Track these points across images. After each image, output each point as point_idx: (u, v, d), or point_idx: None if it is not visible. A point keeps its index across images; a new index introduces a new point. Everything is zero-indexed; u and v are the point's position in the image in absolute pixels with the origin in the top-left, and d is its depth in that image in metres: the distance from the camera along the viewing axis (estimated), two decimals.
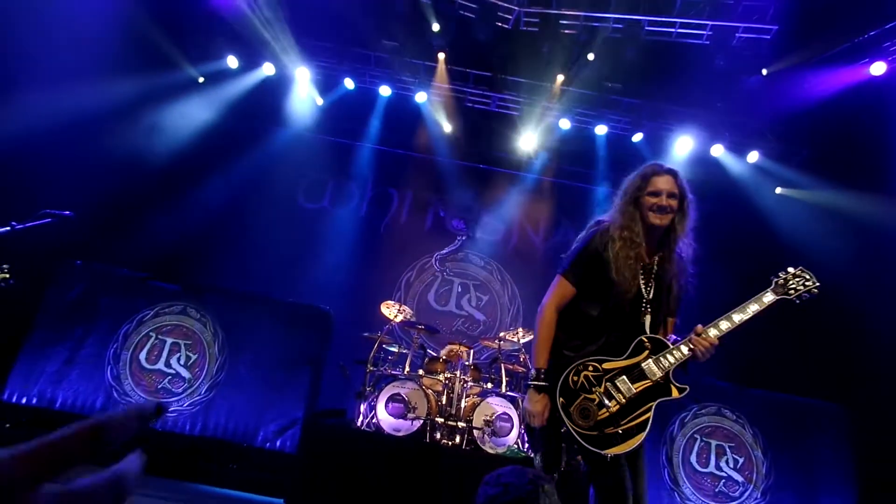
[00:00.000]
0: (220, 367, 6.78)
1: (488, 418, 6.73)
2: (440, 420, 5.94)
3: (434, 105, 9.48)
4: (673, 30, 7.95)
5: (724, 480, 6.88)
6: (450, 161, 9.92)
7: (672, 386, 2.43)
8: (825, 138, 8.47)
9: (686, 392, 2.45)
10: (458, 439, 6.67)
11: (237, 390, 6.71)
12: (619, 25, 7.95)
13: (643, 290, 2.49)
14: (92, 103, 7.50)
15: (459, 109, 9.52)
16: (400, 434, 5.61)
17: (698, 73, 8.26)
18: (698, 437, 7.01)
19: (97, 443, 0.55)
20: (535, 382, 2.40)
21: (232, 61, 8.98)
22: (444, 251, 9.68)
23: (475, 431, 6.75)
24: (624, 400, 2.34)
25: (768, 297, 2.51)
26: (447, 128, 9.64)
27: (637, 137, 9.33)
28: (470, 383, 6.45)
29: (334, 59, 8.99)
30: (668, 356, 2.40)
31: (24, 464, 0.51)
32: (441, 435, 5.95)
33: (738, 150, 9.15)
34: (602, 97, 9.04)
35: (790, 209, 8.93)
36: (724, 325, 2.45)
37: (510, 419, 6.66)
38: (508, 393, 7.12)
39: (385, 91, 9.30)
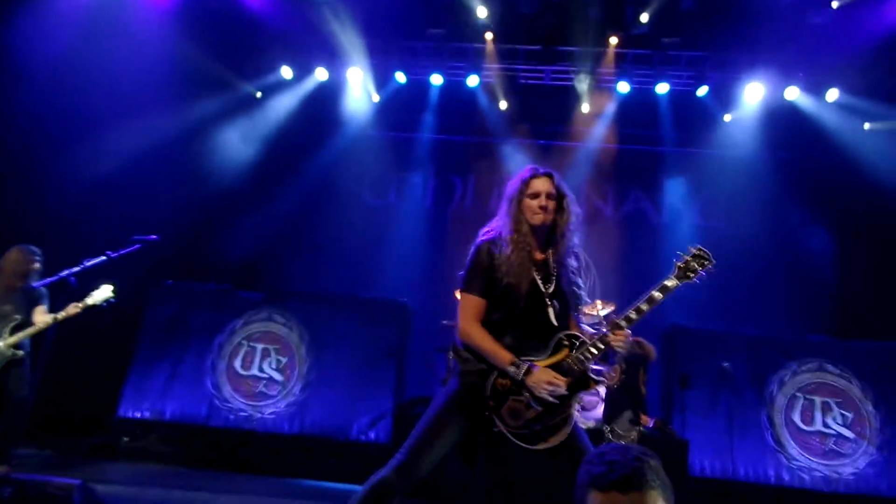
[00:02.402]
0: (309, 368, 7.04)
1: None
2: None
3: (487, 87, 9.39)
4: None
5: (833, 438, 6.54)
6: (508, 141, 9.82)
7: (590, 379, 2.56)
8: None
9: (602, 382, 2.60)
10: None
11: (328, 388, 6.97)
12: None
13: (542, 287, 2.60)
14: (158, 134, 7.96)
15: (512, 87, 9.38)
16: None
17: (762, 15, 7.75)
18: (800, 395, 6.68)
19: None
20: (522, 368, 2.43)
21: (286, 72, 9.21)
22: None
23: None
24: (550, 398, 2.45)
25: (671, 283, 2.58)
26: (502, 108, 9.53)
27: (702, 91, 8.90)
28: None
29: (383, 55, 9.05)
30: (586, 352, 2.51)
31: None
32: None
33: (815, 89, 8.54)
34: (660, 54, 8.65)
35: (885, 143, 8.28)
36: (633, 314, 2.54)
37: (597, 393, 6.58)
38: (593, 366, 7.03)
39: (437, 80, 9.29)
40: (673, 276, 2.58)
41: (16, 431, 4.49)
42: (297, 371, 7.06)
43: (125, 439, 6.69)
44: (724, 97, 8.96)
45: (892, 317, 7.67)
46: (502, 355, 2.44)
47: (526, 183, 2.67)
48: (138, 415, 6.92)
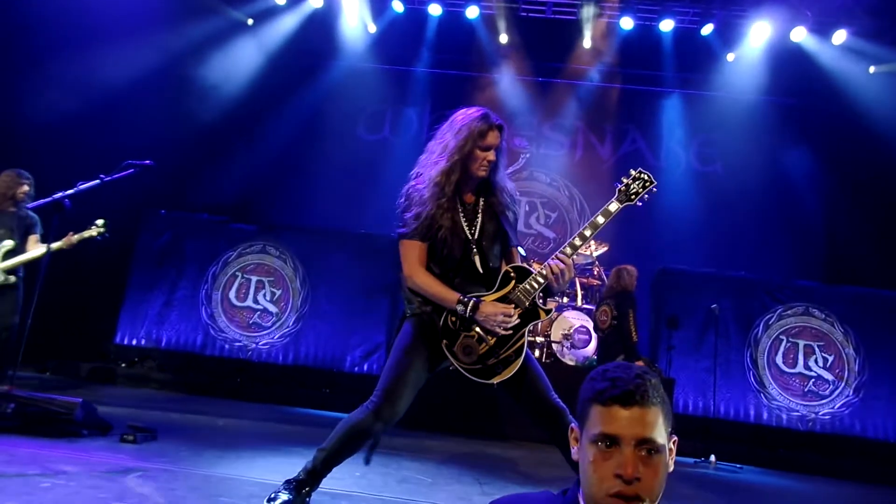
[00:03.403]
0: (303, 300, 7.11)
1: (566, 332, 6.82)
2: None
3: (486, 19, 9.11)
4: None
5: (813, 380, 6.74)
6: (507, 76, 9.62)
7: (539, 310, 2.57)
8: None
9: (551, 313, 2.58)
10: (537, 353, 6.80)
11: (322, 320, 7.06)
12: None
13: (468, 233, 2.60)
14: (150, 59, 7.71)
15: (513, 20, 9.10)
16: None
17: None
18: (784, 337, 6.84)
19: None
20: (469, 305, 2.45)
21: None
22: (508, 170, 9.53)
23: (554, 345, 6.86)
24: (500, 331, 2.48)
25: (613, 206, 2.56)
26: (502, 41, 9.28)
27: (707, 30, 8.67)
28: (545, 299, 6.46)
29: None
30: (532, 282, 2.53)
31: None
32: None
33: (823, 31, 8.34)
34: None
35: (887, 87, 8.17)
36: (577, 241, 2.53)
37: (588, 332, 6.72)
38: (585, 306, 7.14)
39: (435, 10, 8.98)
40: (615, 200, 2.57)
41: (10, 354, 4.55)
42: (291, 303, 7.13)
43: (122, 365, 6.81)
44: (728, 36, 8.75)
45: (879, 264, 7.78)
46: (449, 296, 2.48)
47: (483, 134, 2.57)
48: (135, 342, 7.02)
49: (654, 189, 2.60)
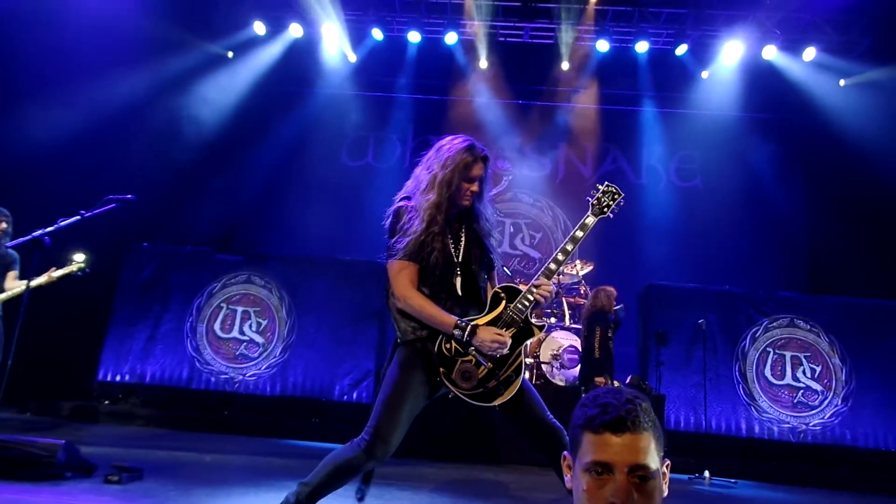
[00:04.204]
0: (290, 330, 7.04)
1: (555, 352, 6.81)
2: None
3: (465, 44, 9.24)
4: None
5: (801, 391, 6.77)
6: (487, 100, 9.73)
7: (533, 327, 2.58)
8: (889, 23, 7.84)
9: (545, 328, 2.63)
10: (527, 375, 6.77)
11: (310, 349, 6.98)
12: None
13: (456, 257, 2.62)
14: (131, 93, 7.72)
15: (492, 45, 9.24)
16: None
17: None
18: (771, 350, 6.88)
19: None
20: (466, 330, 2.43)
21: (259, 27, 8.93)
22: (492, 192, 9.58)
23: (543, 366, 6.84)
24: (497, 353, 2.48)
25: (590, 220, 2.64)
26: (481, 66, 9.40)
27: (681, 50, 8.86)
28: (533, 320, 6.45)
29: (359, 10, 8.82)
30: (524, 300, 2.54)
31: None
32: None
33: (793, 48, 8.57)
34: (640, 11, 8.58)
35: (858, 99, 8.38)
36: (561, 256, 2.59)
37: (577, 351, 6.71)
38: (573, 326, 7.14)
39: (414, 37, 9.10)
40: (590, 214, 2.64)
41: None
42: (277, 333, 7.05)
43: (105, 402, 6.67)
44: (702, 56, 8.96)
45: (861, 273, 7.88)
46: (445, 319, 2.44)
47: (468, 167, 2.59)
48: (118, 378, 6.88)
49: (623, 201, 2.66)
